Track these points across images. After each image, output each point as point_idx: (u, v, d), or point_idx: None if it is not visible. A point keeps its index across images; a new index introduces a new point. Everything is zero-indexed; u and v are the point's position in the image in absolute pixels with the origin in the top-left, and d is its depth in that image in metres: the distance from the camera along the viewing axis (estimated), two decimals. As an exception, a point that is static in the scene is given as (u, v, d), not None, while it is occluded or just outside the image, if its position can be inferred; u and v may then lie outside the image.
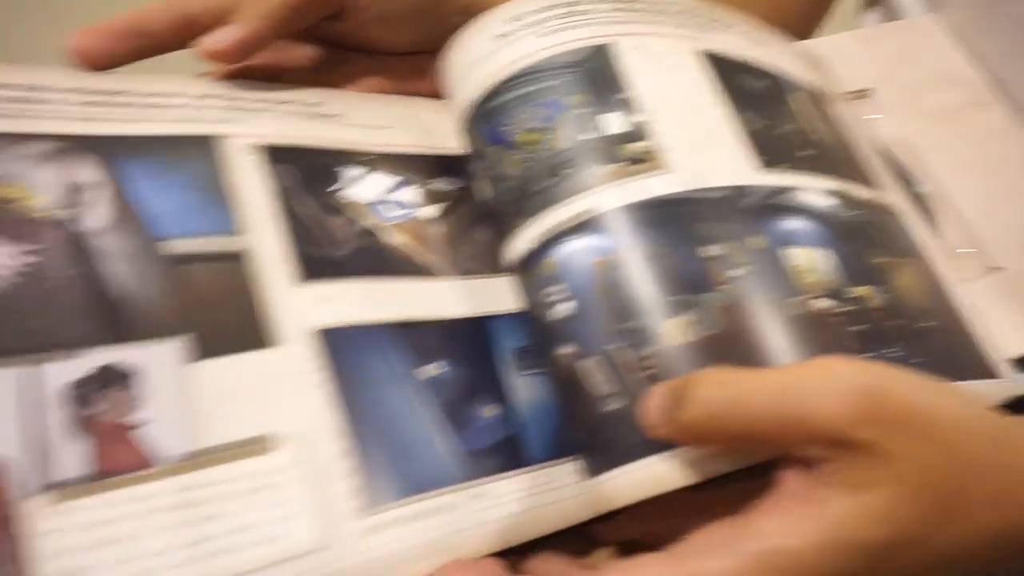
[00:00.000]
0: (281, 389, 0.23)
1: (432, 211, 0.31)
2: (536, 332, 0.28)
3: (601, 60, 0.30)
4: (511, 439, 0.26)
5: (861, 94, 0.43)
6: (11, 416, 0.20)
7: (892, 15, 0.50)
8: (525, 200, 0.28)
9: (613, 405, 0.25)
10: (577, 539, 0.26)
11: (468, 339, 0.28)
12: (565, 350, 0.26)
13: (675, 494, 0.24)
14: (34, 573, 0.19)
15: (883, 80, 0.43)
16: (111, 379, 0.22)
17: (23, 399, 0.20)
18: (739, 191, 0.27)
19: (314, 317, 0.25)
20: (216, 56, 0.30)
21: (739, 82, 0.32)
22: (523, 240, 0.28)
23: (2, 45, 0.83)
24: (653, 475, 0.24)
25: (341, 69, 0.35)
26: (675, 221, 0.26)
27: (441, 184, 0.32)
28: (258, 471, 0.22)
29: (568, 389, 0.26)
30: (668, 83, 0.30)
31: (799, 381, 0.21)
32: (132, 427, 0.22)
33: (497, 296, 0.29)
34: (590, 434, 0.26)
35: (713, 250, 0.26)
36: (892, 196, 0.35)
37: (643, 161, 0.27)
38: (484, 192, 0.31)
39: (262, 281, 0.25)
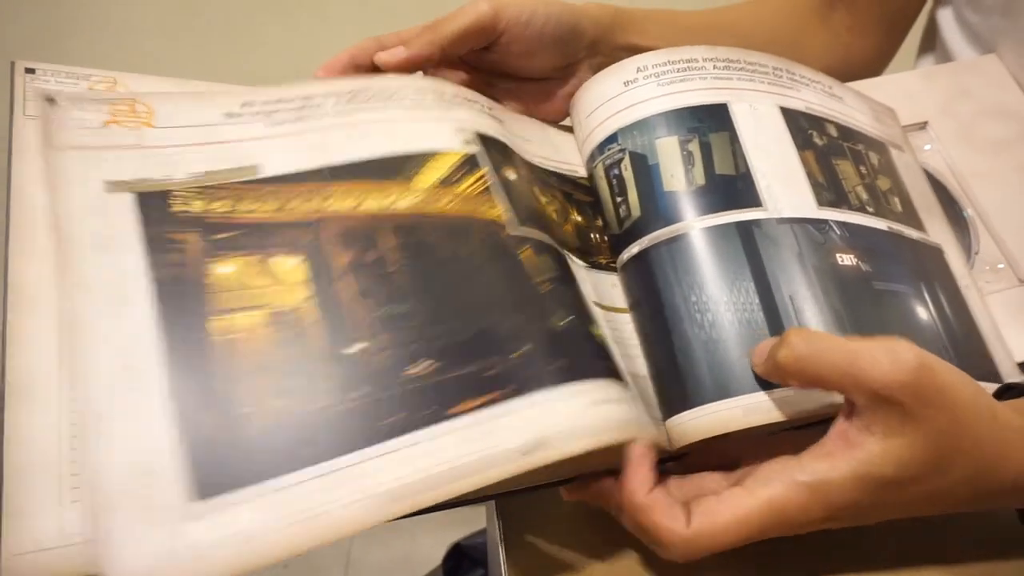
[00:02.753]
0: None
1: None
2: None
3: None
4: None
5: (920, 126, 0.49)
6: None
7: (946, 59, 0.56)
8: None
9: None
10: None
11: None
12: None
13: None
14: None
15: (940, 114, 0.49)
16: None
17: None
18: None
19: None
20: (386, 67, 0.39)
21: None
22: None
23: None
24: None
25: (486, 91, 0.44)
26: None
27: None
28: None
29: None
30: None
31: (869, 348, 0.28)
32: None
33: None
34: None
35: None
36: (938, 235, 0.43)
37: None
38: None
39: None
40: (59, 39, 0.88)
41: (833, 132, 0.41)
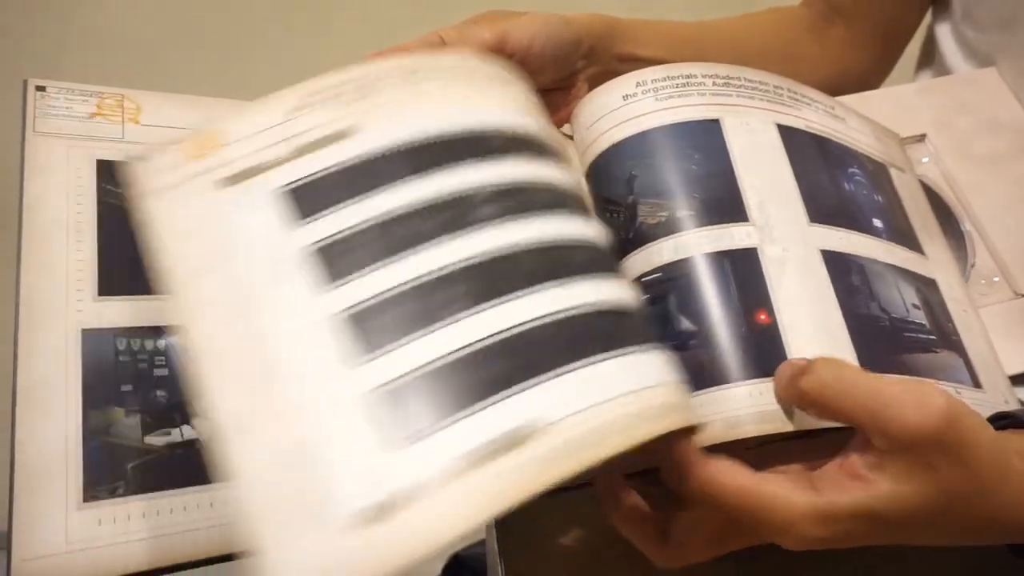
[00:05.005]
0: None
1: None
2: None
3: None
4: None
5: (917, 139, 0.50)
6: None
7: (944, 74, 0.56)
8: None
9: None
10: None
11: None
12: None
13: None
14: None
15: (938, 127, 0.50)
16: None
17: None
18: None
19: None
20: None
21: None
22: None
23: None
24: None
25: None
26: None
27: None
28: None
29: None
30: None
31: (897, 391, 0.27)
32: None
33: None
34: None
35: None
36: (931, 256, 0.43)
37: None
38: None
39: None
40: (68, 57, 0.90)
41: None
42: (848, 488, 0.28)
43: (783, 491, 0.29)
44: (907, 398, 0.27)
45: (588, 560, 0.35)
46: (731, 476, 0.29)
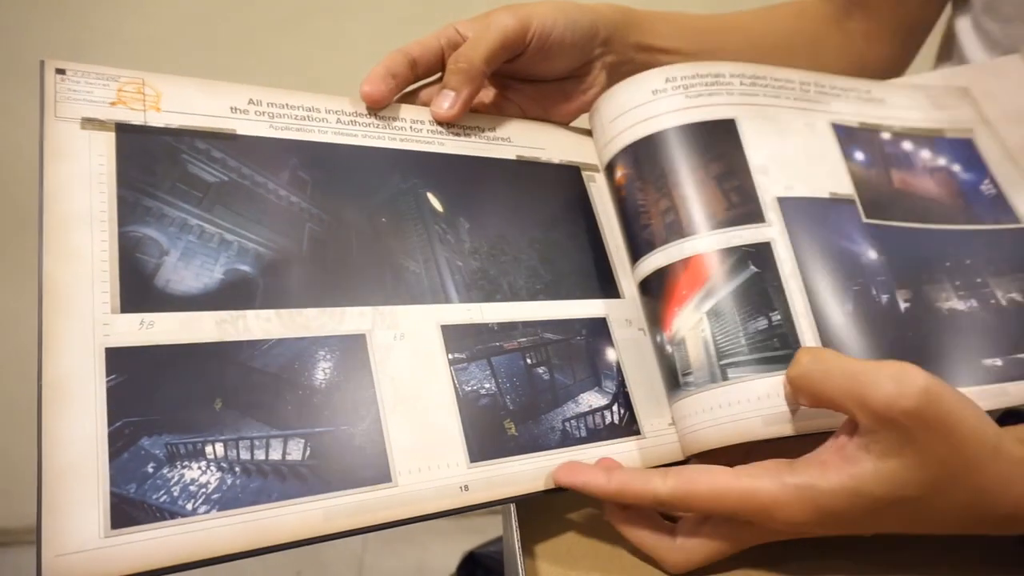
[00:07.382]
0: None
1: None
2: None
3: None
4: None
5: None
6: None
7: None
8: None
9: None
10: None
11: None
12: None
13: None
14: None
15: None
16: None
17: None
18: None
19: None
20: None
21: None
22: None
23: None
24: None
25: (507, 94, 0.44)
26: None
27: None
28: None
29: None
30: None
31: (874, 371, 0.28)
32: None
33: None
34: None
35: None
36: None
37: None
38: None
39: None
40: (84, 49, 0.89)
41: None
42: (831, 469, 0.29)
43: (757, 481, 0.30)
44: (885, 376, 0.28)
45: (609, 558, 0.35)
46: (705, 479, 0.30)
